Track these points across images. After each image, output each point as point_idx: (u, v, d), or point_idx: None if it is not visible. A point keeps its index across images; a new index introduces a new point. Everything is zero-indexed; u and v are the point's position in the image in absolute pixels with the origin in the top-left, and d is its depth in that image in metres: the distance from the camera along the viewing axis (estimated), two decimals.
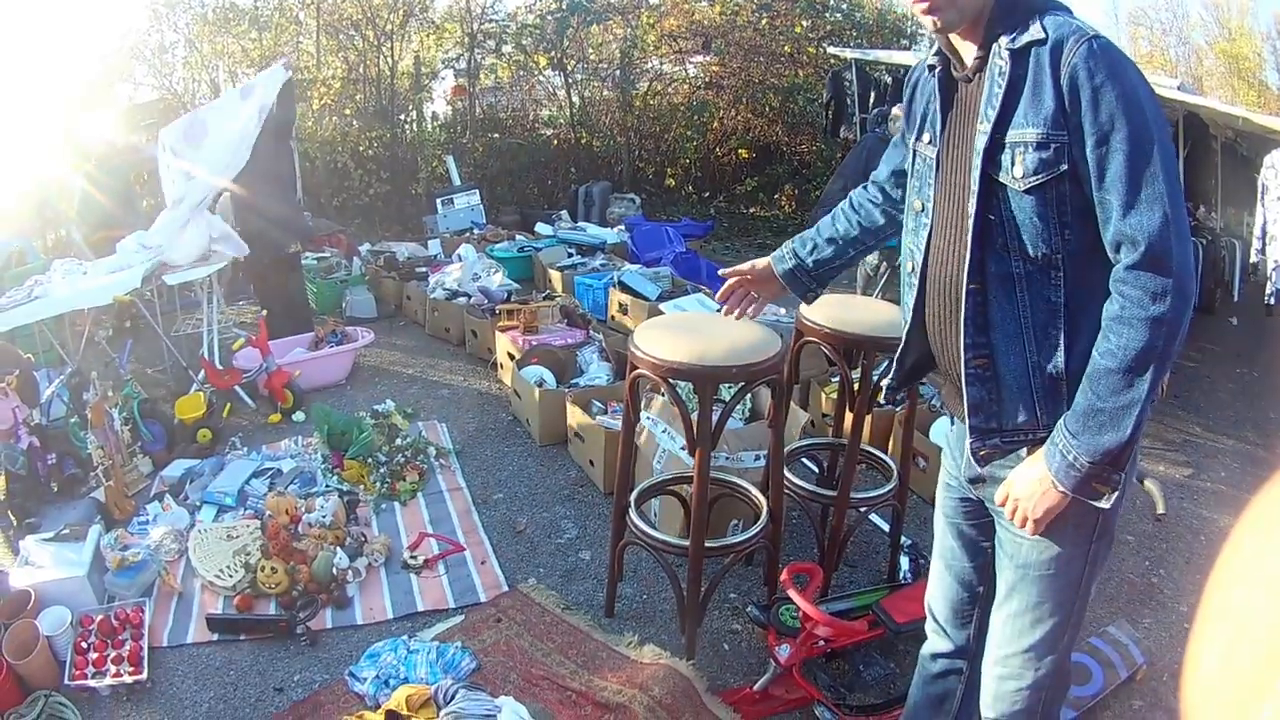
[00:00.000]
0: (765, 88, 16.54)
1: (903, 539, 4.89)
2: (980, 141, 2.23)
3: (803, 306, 4.24)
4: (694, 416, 3.70)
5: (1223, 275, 10.45)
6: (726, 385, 4.15)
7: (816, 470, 5.13)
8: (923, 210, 2.52)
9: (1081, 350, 2.21)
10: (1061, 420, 2.22)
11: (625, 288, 8.40)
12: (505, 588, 4.36)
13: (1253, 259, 9.93)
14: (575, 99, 16.10)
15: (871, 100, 12.58)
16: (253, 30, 13.64)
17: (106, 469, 4.84)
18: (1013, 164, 2.19)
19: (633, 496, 4.14)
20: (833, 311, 4.25)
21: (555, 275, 9.28)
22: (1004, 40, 2.20)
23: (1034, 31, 2.16)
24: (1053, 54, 2.12)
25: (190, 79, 13.93)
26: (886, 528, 5.02)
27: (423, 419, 6.07)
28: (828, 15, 17.14)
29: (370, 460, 5.34)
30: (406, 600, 4.23)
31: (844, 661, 4.03)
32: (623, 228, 11.39)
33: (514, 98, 16.43)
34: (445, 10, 15.30)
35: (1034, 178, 2.15)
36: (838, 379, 6.25)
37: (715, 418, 3.83)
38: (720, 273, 3.19)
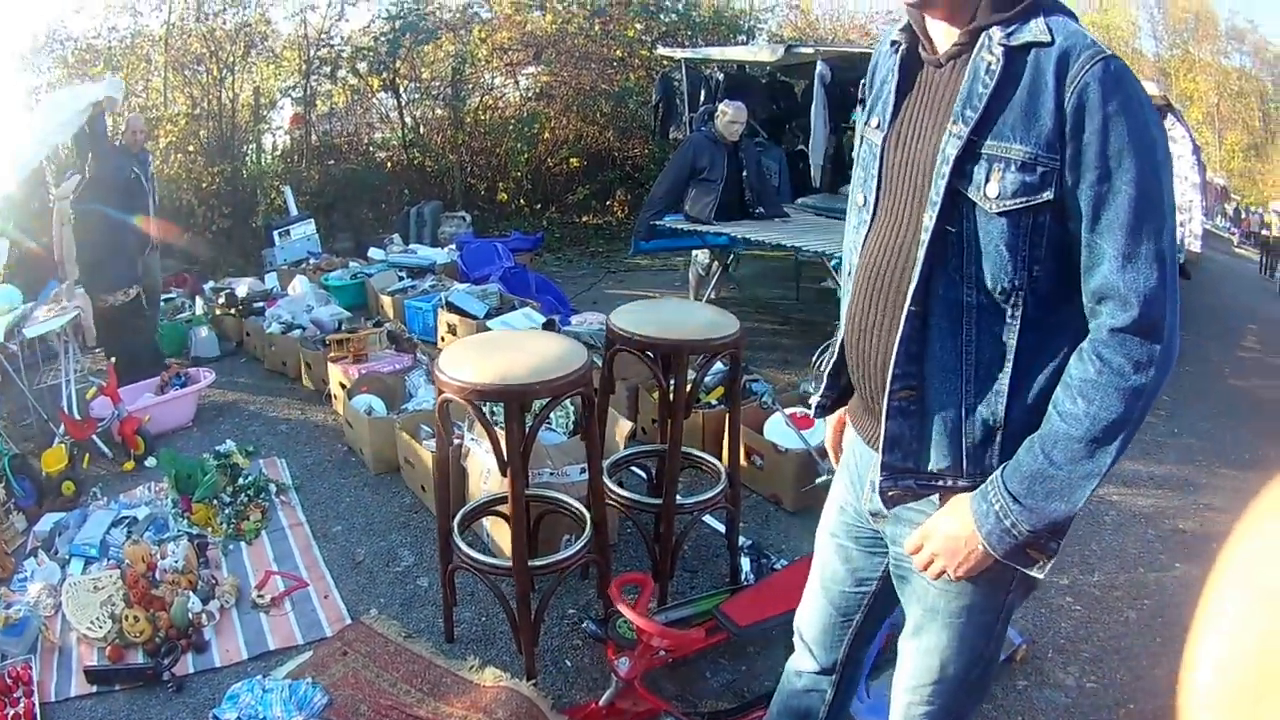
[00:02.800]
0: (596, 94, 16.70)
1: (742, 540, 4.89)
2: (952, 147, 1.98)
3: (613, 313, 4.36)
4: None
5: None
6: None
7: (647, 478, 5.15)
8: (864, 205, 2.28)
9: (1028, 402, 2.02)
10: (999, 477, 2.01)
11: (453, 308, 8.39)
12: (349, 620, 4.38)
13: None
14: (408, 120, 16.03)
15: (702, 99, 12.47)
16: (108, 70, 13.47)
17: None
18: (987, 179, 1.94)
19: (455, 521, 4.12)
20: (642, 316, 4.30)
21: (386, 300, 9.29)
22: (998, 32, 1.95)
23: (1036, 30, 1.92)
24: (1059, 63, 1.88)
25: None
26: (724, 529, 4.98)
27: (263, 456, 6.12)
28: (662, 17, 17.25)
29: (216, 502, 5.32)
30: (259, 640, 4.24)
31: (691, 668, 4.04)
32: (453, 247, 11.46)
33: (349, 123, 16.33)
34: (285, 38, 15.15)
35: (1011, 201, 1.92)
36: None
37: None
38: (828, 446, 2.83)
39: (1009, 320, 1.97)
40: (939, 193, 1.97)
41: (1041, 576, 2.05)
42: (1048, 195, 1.87)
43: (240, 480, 5.59)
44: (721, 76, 12.76)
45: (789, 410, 5.87)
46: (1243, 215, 41.74)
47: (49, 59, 13.96)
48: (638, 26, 16.93)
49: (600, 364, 4.42)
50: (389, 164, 15.96)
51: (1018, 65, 1.91)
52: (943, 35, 2.07)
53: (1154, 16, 57.38)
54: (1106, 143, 1.82)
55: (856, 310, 2.23)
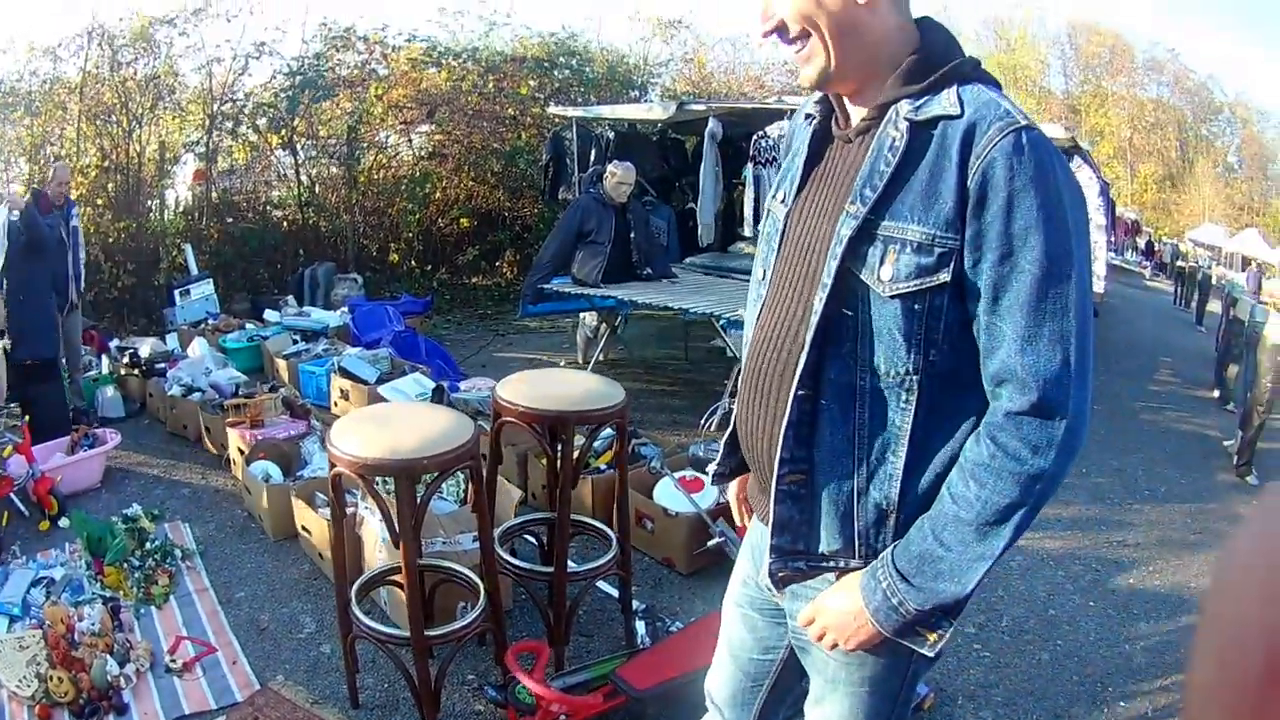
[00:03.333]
0: (488, 153, 16.74)
1: (637, 604, 4.99)
2: (847, 228, 1.94)
3: (499, 385, 4.47)
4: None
5: None
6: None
7: (539, 545, 5.25)
8: (762, 280, 2.26)
9: (923, 484, 1.98)
10: (889, 556, 1.97)
11: (345, 373, 8.52)
12: (257, 686, 4.44)
13: None
14: (304, 178, 16.01)
15: (593, 158, 12.76)
16: (26, 116, 13.64)
17: None
18: (881, 262, 1.90)
19: (353, 590, 4.22)
20: (527, 388, 4.40)
21: (282, 364, 9.47)
22: (905, 106, 1.91)
23: (946, 103, 1.88)
24: (964, 138, 1.83)
25: None
26: (617, 594, 5.14)
27: (168, 520, 6.28)
28: (555, 74, 17.55)
29: (125, 565, 5.48)
30: (174, 704, 4.30)
31: None
32: (345, 310, 11.64)
33: (248, 180, 16.26)
34: (190, 94, 15.14)
35: (904, 284, 1.88)
36: None
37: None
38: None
39: (903, 404, 1.95)
40: (830, 274, 1.95)
41: (932, 655, 2.02)
42: (944, 277, 1.85)
43: (147, 544, 5.68)
44: (612, 135, 13.03)
45: (678, 474, 5.95)
46: (1155, 247, 42.81)
47: None
48: (531, 84, 17.19)
49: (489, 430, 4.60)
50: (285, 223, 15.99)
51: (923, 141, 1.88)
52: (855, 110, 2.06)
53: (1065, 54, 58.50)
54: (1010, 221, 1.79)
55: (746, 389, 2.22)
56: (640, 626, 4.80)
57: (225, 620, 5.14)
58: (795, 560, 2.13)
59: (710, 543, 5.42)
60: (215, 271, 13.38)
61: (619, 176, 9.24)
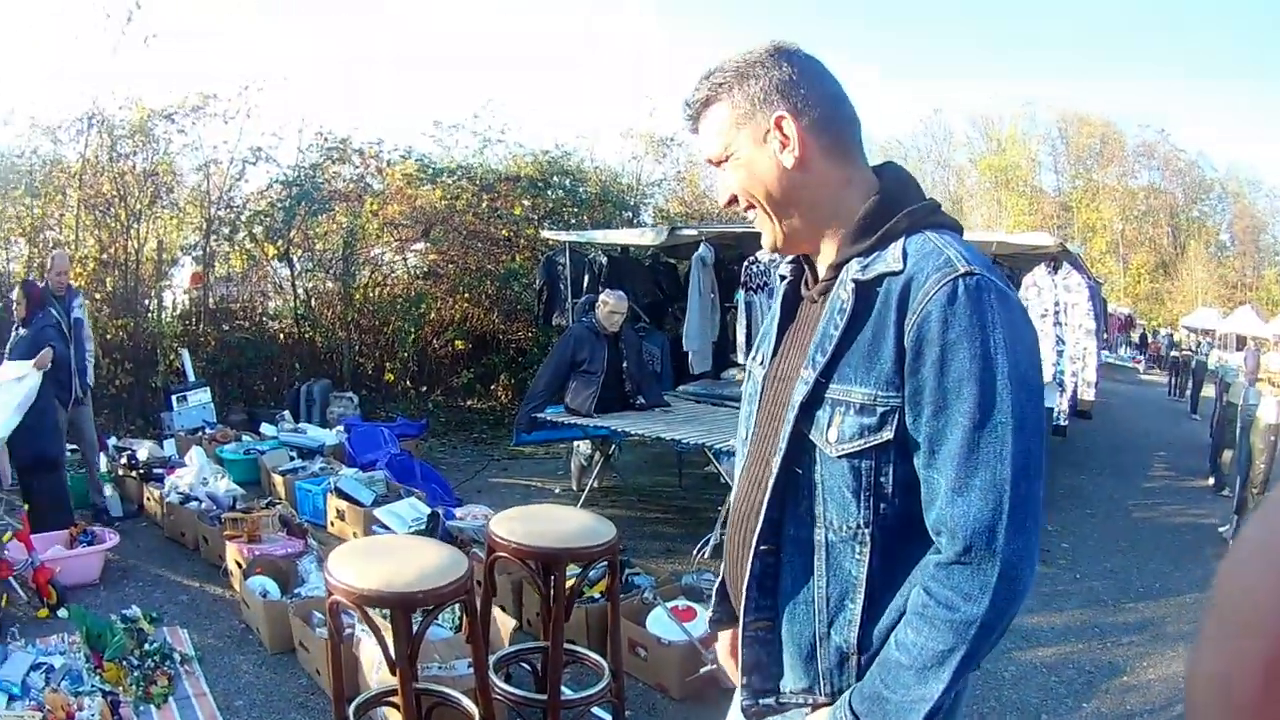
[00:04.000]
0: (482, 275, 16.94)
1: None
2: (799, 393, 2.03)
3: (493, 521, 4.64)
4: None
5: None
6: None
7: (533, 672, 5.31)
8: (745, 440, 2.37)
9: (879, 629, 2.02)
10: (847, 696, 2.02)
11: (342, 494, 8.63)
12: None
13: None
14: (300, 291, 16.20)
15: (585, 283, 12.91)
16: (26, 196, 13.83)
17: None
18: (829, 424, 1.98)
19: (350, 709, 4.31)
20: (520, 525, 4.58)
21: (278, 480, 9.68)
22: (855, 265, 1.99)
23: (891, 259, 1.94)
24: (902, 293, 1.89)
25: None
26: None
27: (166, 624, 6.45)
28: (549, 193, 17.73)
29: (125, 663, 5.61)
30: None
31: None
32: (341, 428, 11.81)
33: (245, 288, 16.46)
34: (188, 194, 15.41)
35: (849, 444, 1.95)
36: None
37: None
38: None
39: (858, 556, 1.99)
40: (784, 438, 2.03)
41: None
42: (886, 435, 1.91)
43: (146, 645, 5.84)
44: (605, 260, 13.17)
45: (670, 603, 6.21)
46: (1149, 339, 42.88)
47: None
48: (524, 203, 17.41)
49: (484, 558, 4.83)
50: (281, 336, 16.16)
51: (868, 301, 1.94)
52: (821, 267, 2.13)
53: (1056, 149, 59.16)
54: (944, 374, 1.83)
55: (727, 541, 2.33)
56: None
57: None
58: (765, 698, 2.21)
59: (703, 669, 5.54)
60: (211, 379, 13.59)
61: (611, 305, 9.48)
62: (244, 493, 8.93)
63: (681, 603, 6.39)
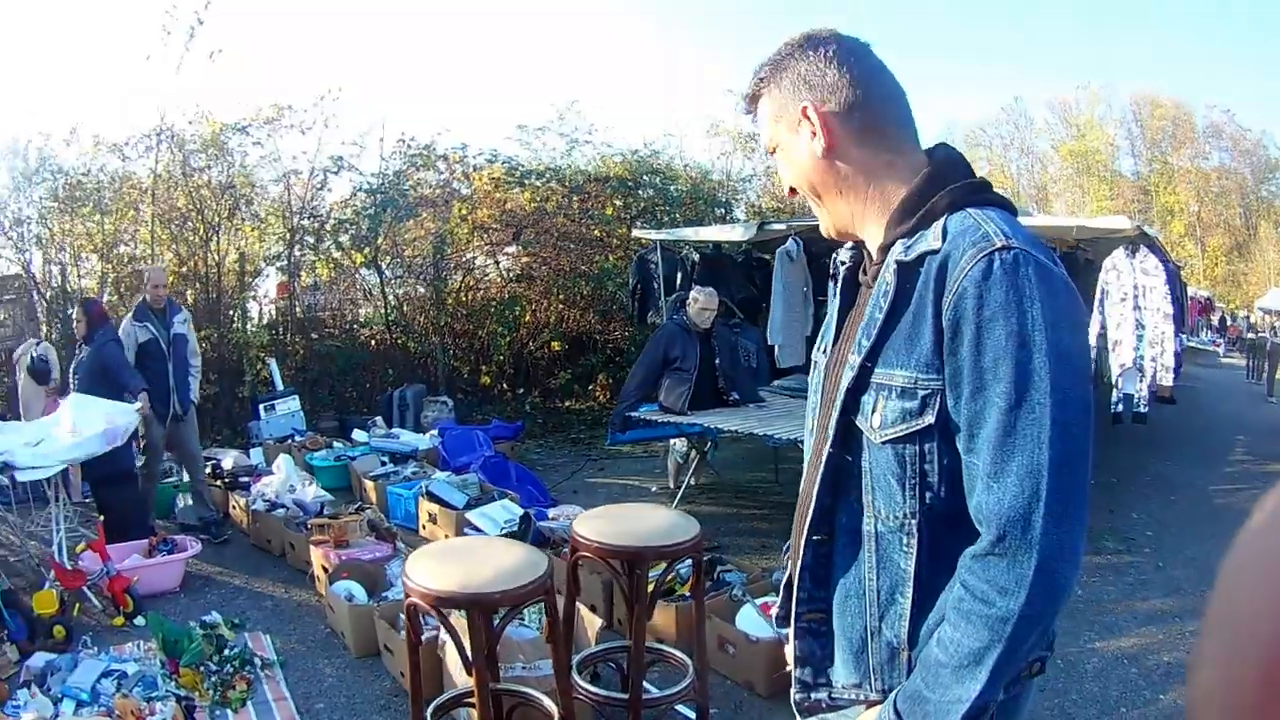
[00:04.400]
0: (576, 275, 16.90)
1: None
2: (846, 378, 1.99)
3: (576, 520, 4.65)
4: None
5: None
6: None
7: (620, 671, 5.28)
8: (811, 430, 2.31)
9: (929, 623, 1.95)
10: (894, 695, 1.94)
11: (434, 497, 8.67)
12: None
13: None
14: (390, 297, 16.22)
15: (678, 280, 12.86)
16: (96, 213, 13.94)
17: None
18: (874, 409, 1.93)
19: (428, 711, 4.31)
20: (601, 525, 4.55)
21: (369, 485, 9.71)
22: (899, 248, 1.93)
23: (932, 237, 1.88)
24: (939, 271, 1.83)
25: (42, 258, 14.15)
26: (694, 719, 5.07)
27: (248, 629, 6.41)
28: (640, 192, 17.61)
29: (202, 669, 5.59)
30: None
31: None
32: (435, 433, 11.77)
33: (333, 296, 16.56)
34: (268, 205, 15.46)
35: (891, 430, 1.90)
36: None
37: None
38: None
39: (905, 548, 1.95)
40: (834, 425, 2.01)
41: None
42: (928, 419, 1.86)
43: (226, 651, 5.84)
44: (697, 257, 13.11)
45: (760, 600, 6.16)
46: (1229, 323, 42.26)
47: (40, 188, 14.28)
48: (616, 203, 17.32)
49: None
50: (373, 342, 16.20)
51: (911, 282, 1.89)
52: (873, 252, 2.09)
53: (1132, 132, 58.45)
54: (980, 354, 1.77)
55: (792, 533, 2.27)
56: None
57: None
58: (817, 691, 2.21)
59: (789, 666, 5.45)
60: (301, 388, 13.59)
61: (701, 303, 9.41)
62: (332, 498, 8.92)
63: (771, 599, 6.09)
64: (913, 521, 1.91)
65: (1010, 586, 1.74)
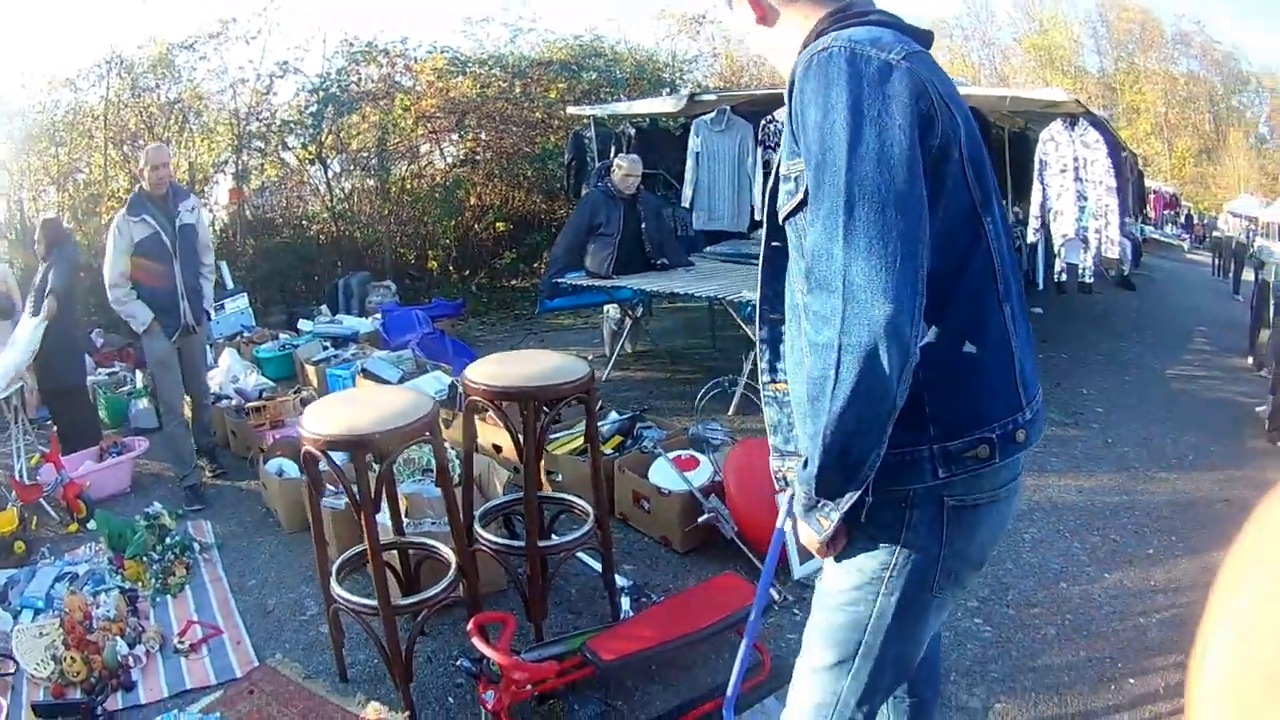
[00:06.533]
0: (519, 157, 16.75)
1: (623, 581, 5.10)
2: (771, 180, 2.25)
3: (467, 369, 4.61)
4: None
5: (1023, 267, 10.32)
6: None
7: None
8: None
9: None
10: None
11: (369, 374, 8.60)
12: (256, 663, 4.65)
13: (1030, 238, 10.10)
14: (337, 191, 16.13)
15: (613, 155, 12.20)
16: (52, 147, 13.84)
17: None
18: (779, 200, 2.16)
19: (334, 567, 4.34)
20: (491, 368, 4.53)
21: (311, 370, 9.55)
22: (798, 68, 2.06)
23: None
24: (790, 79, 2.05)
25: (6, 203, 14.01)
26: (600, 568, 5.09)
27: (191, 518, 6.47)
28: (583, 75, 17.45)
29: (145, 559, 5.64)
30: (178, 680, 4.56)
31: (560, 701, 4.10)
32: (378, 316, 11.73)
33: (281, 196, 16.38)
34: (216, 115, 15.30)
35: (784, 208, 2.12)
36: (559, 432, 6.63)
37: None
38: None
39: None
40: (766, 214, 2.32)
41: (818, 541, 2.10)
42: (800, 196, 2.04)
43: (167, 540, 5.84)
44: (633, 131, 12.87)
45: (673, 454, 6.11)
46: (1195, 221, 42.15)
47: None
48: (559, 87, 17.14)
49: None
50: (320, 236, 16.09)
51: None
52: None
53: (1097, 31, 57.28)
54: (806, 133, 1.96)
55: None
56: (625, 602, 4.92)
57: (234, 606, 5.34)
58: (788, 459, 2.39)
59: (700, 519, 5.53)
60: (252, 287, 13.41)
61: (625, 169, 9.32)
62: (274, 385, 8.89)
63: (685, 453, 6.24)
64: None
65: (826, 314, 1.88)
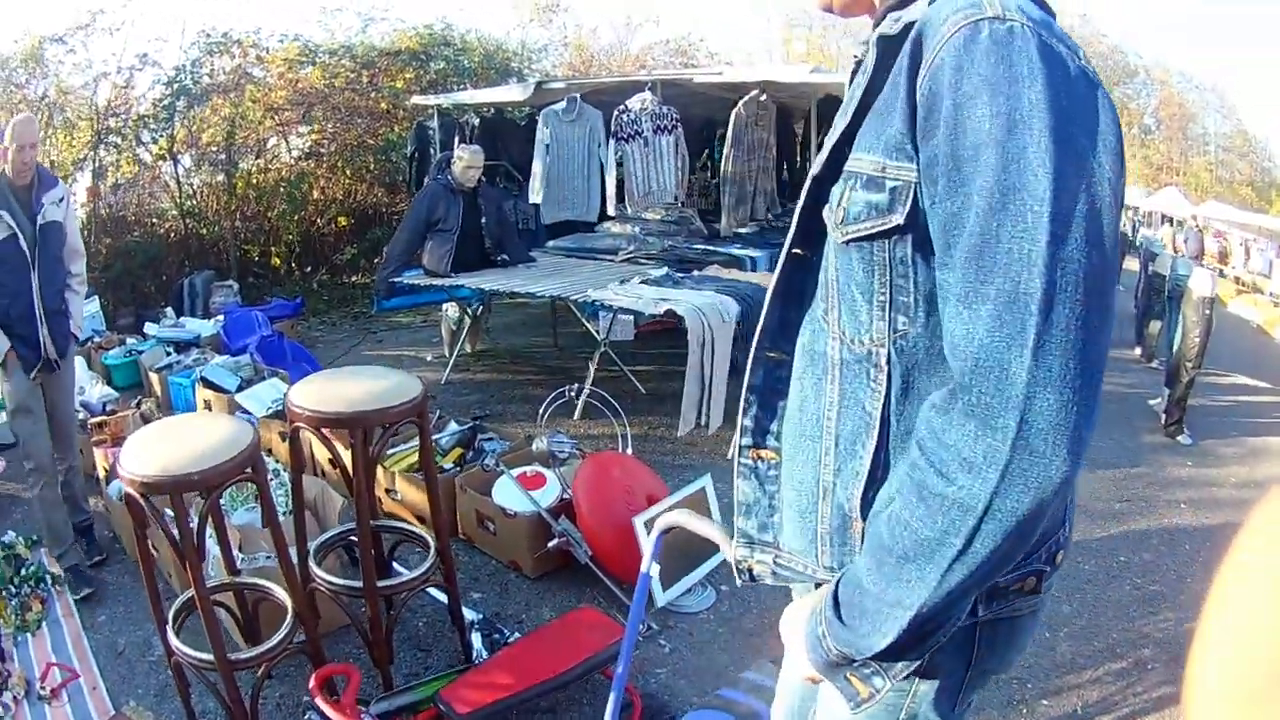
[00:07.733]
0: (363, 149, 16.59)
1: (472, 615, 4.75)
2: (816, 162, 1.60)
3: (292, 389, 4.09)
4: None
5: None
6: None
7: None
8: None
9: (890, 491, 1.49)
10: (844, 571, 1.56)
11: (208, 383, 8.18)
12: (112, 711, 4.43)
13: None
14: (187, 187, 15.88)
15: (456, 146, 12.08)
16: None
17: None
18: (840, 200, 1.53)
19: (171, 613, 3.95)
20: (317, 388, 4.10)
21: (154, 378, 9.08)
22: (887, 21, 1.51)
23: (920, 7, 1.46)
24: (917, 40, 1.40)
25: None
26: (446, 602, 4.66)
27: (44, 545, 6.04)
28: (431, 65, 17.32)
29: (4, 592, 5.39)
30: None
31: None
32: (220, 317, 11.48)
33: (134, 194, 16.05)
34: (78, 110, 14.97)
35: (854, 227, 1.49)
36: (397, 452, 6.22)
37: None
38: None
39: (872, 385, 1.54)
40: (796, 214, 1.66)
41: (853, 711, 1.62)
42: (897, 219, 1.44)
43: (23, 571, 5.63)
44: (477, 121, 12.65)
45: (517, 470, 5.68)
46: None
47: None
48: (407, 76, 17.05)
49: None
50: (170, 234, 15.80)
51: (891, 58, 1.47)
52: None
53: None
54: (959, 140, 1.30)
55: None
56: (476, 639, 4.56)
57: (88, 645, 5.13)
58: (761, 551, 1.82)
59: (550, 544, 5.30)
60: (105, 288, 13.19)
61: (466, 160, 8.96)
62: (118, 396, 8.74)
63: (530, 469, 5.86)
64: (881, 352, 1.53)
65: (977, 460, 1.28)
